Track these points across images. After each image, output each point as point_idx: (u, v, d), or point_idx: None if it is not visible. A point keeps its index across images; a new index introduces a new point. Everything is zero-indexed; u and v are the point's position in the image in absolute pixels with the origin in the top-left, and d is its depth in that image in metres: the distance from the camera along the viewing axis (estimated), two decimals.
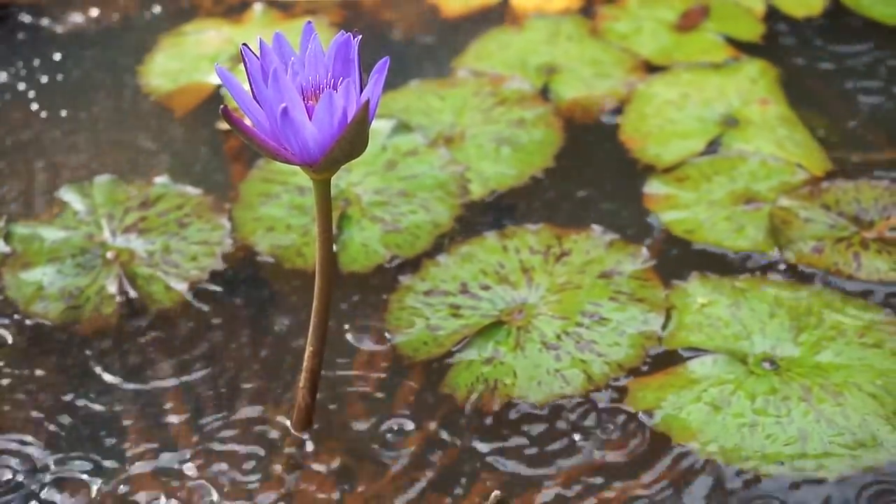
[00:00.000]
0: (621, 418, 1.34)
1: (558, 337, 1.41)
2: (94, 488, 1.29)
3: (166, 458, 1.32)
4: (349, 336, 1.46)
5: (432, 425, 1.35)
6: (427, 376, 1.40)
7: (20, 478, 1.30)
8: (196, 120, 1.85)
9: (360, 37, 1.08)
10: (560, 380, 1.37)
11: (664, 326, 1.43)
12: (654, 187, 1.65)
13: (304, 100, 1.06)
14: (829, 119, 1.78)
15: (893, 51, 1.94)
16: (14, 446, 1.34)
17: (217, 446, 1.33)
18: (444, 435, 1.34)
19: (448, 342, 1.42)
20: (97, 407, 1.38)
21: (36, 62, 2.00)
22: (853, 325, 1.40)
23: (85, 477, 1.30)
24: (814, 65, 1.91)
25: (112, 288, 1.51)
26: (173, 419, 1.37)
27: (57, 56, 2.02)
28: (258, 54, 1.08)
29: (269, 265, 1.56)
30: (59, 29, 2.09)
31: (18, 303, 1.50)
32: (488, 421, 1.35)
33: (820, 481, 1.25)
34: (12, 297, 1.51)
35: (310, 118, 1.04)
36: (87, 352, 1.45)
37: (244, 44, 1.08)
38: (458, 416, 1.35)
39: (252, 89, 1.06)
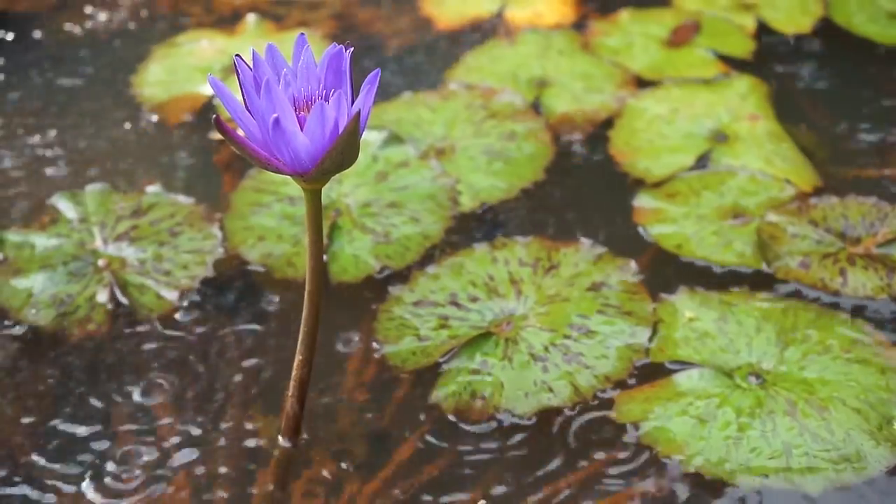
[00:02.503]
0: (608, 430, 1.35)
1: (546, 349, 1.41)
2: (83, 494, 1.29)
3: (155, 465, 1.32)
4: (338, 346, 1.46)
5: (420, 435, 1.35)
6: (415, 386, 1.41)
7: (9, 482, 1.31)
8: (189, 130, 1.86)
9: (352, 49, 1.09)
10: (547, 391, 1.37)
11: (651, 339, 1.44)
12: (643, 201, 1.66)
13: (295, 111, 1.07)
14: (818, 135, 1.80)
15: (883, 68, 1.95)
16: (2, 451, 1.34)
17: (205, 454, 1.34)
18: (431, 445, 1.34)
19: (436, 353, 1.43)
20: (86, 413, 1.39)
21: (30, 71, 2.01)
22: (839, 341, 1.41)
23: (73, 482, 1.31)
24: (803, 81, 1.92)
25: (103, 295, 1.51)
26: (162, 426, 1.37)
27: (51, 65, 2.03)
28: (251, 65, 1.08)
29: (260, 274, 1.56)
30: (53, 38, 2.09)
31: (10, 309, 1.50)
32: (475, 431, 1.35)
33: (804, 495, 1.26)
34: (3, 303, 1.51)
35: (301, 129, 1.05)
36: (78, 358, 1.45)
37: (237, 55, 1.09)
38: (445, 426, 1.36)
39: (244, 100, 1.07)
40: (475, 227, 1.64)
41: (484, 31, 2.10)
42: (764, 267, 1.54)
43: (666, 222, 1.62)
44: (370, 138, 1.71)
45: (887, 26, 2.03)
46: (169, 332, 1.48)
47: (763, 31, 2.04)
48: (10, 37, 2.10)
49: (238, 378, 1.43)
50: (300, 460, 1.33)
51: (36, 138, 1.84)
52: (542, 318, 1.45)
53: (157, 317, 1.50)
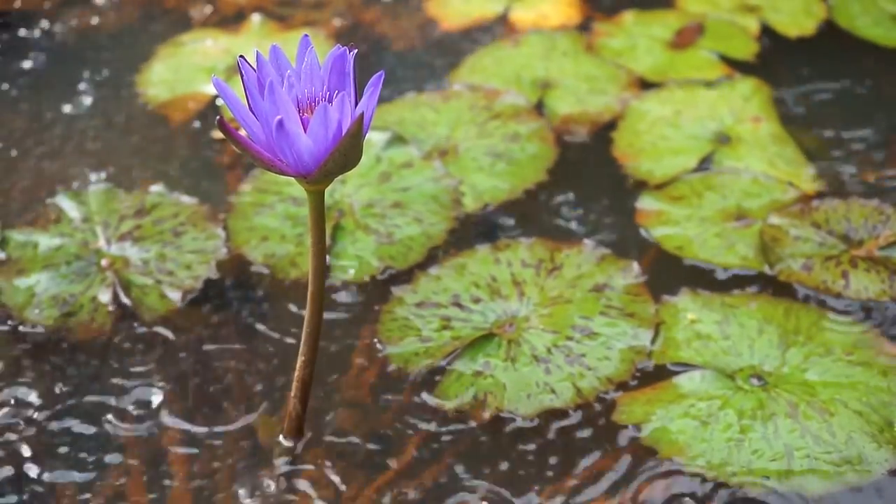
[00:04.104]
0: (610, 432, 1.35)
1: (548, 350, 1.41)
2: (84, 495, 1.30)
3: (157, 465, 1.33)
4: (341, 346, 1.47)
5: (422, 436, 1.35)
6: (418, 387, 1.41)
7: (7, 485, 1.31)
8: (192, 129, 1.86)
9: (356, 50, 1.09)
10: (549, 393, 1.37)
11: (653, 341, 1.44)
12: (646, 203, 1.66)
13: (299, 112, 1.07)
14: (821, 138, 1.80)
15: (886, 71, 1.95)
16: (3, 452, 1.34)
17: (207, 454, 1.34)
18: (434, 446, 1.34)
19: (439, 354, 1.43)
20: (89, 413, 1.39)
21: (34, 70, 2.01)
22: (841, 343, 1.41)
23: (74, 482, 1.31)
24: (806, 84, 1.92)
25: (106, 295, 1.51)
26: (165, 427, 1.37)
27: (55, 64, 2.03)
28: (255, 66, 1.09)
29: (263, 275, 1.57)
30: (57, 37, 2.10)
31: (12, 309, 1.51)
32: (477, 432, 1.35)
33: (805, 497, 1.26)
34: (6, 303, 1.51)
35: (305, 130, 1.05)
36: (81, 358, 1.45)
37: (241, 56, 1.09)
38: (447, 428, 1.36)
39: (248, 101, 1.07)
40: (478, 228, 1.64)
41: (488, 32, 2.10)
42: (766, 269, 1.54)
43: (669, 224, 1.62)
44: (373, 139, 1.71)
45: (891, 29, 2.03)
46: (172, 333, 1.49)
47: (766, 33, 2.04)
48: (14, 34, 2.10)
49: (240, 378, 1.43)
50: (302, 461, 1.33)
51: (39, 137, 1.84)
52: (545, 319, 1.45)
53: (159, 317, 1.50)
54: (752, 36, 2.03)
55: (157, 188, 1.69)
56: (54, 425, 1.37)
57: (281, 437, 1.35)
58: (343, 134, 1.05)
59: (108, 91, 1.96)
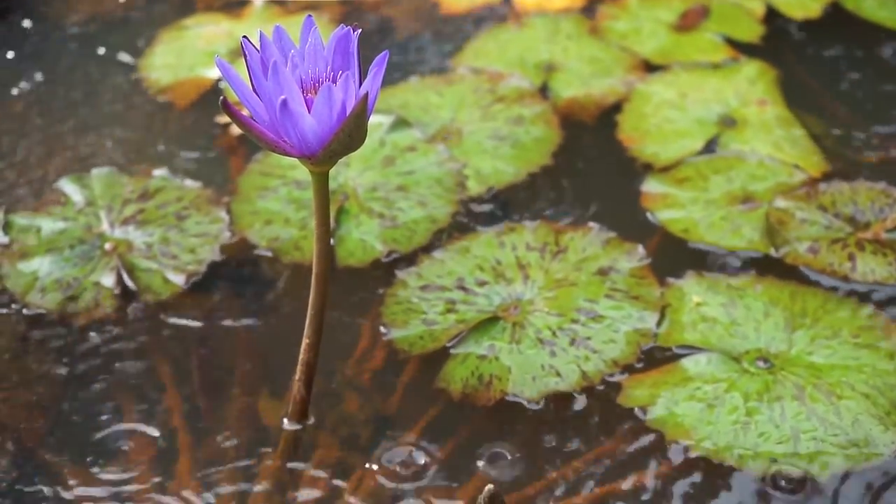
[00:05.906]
0: (615, 415, 1.34)
1: (553, 333, 1.41)
2: (88, 477, 1.29)
3: (161, 449, 1.33)
4: (345, 329, 1.46)
5: (427, 419, 1.35)
6: (422, 371, 1.41)
7: (15, 467, 1.31)
8: (195, 113, 1.85)
9: (360, 31, 1.09)
10: (555, 375, 1.37)
11: (659, 324, 1.43)
12: (651, 186, 1.65)
13: (303, 92, 1.07)
14: (827, 120, 1.79)
15: (892, 53, 1.95)
16: (10, 435, 1.34)
17: (212, 438, 1.34)
18: (439, 429, 1.34)
19: (444, 337, 1.42)
20: (92, 397, 1.39)
21: (36, 54, 2.01)
22: (847, 326, 1.41)
23: (79, 466, 1.31)
24: (812, 66, 1.92)
25: (109, 279, 1.51)
26: (168, 410, 1.37)
27: (57, 48, 2.02)
28: (258, 47, 1.08)
29: (267, 258, 1.56)
30: (59, 21, 2.09)
31: (16, 293, 1.50)
32: (483, 415, 1.35)
33: (812, 480, 1.26)
34: (10, 287, 1.51)
35: (309, 111, 1.04)
36: (84, 342, 1.45)
37: (244, 36, 1.08)
38: (452, 411, 1.36)
39: (252, 82, 1.07)
40: (482, 211, 1.63)
41: (492, 15, 2.09)
42: (772, 252, 1.54)
43: (674, 207, 1.61)
44: (377, 122, 1.70)
45: None
46: (175, 316, 1.48)
47: (772, 15, 2.03)
48: (15, 19, 2.10)
49: (245, 362, 1.43)
50: (307, 444, 1.33)
51: (41, 121, 1.84)
52: (550, 302, 1.45)
53: (163, 300, 1.50)
54: (758, 18, 2.02)
55: (160, 172, 1.68)
56: (58, 409, 1.37)
57: (285, 421, 1.35)
58: (347, 114, 1.05)
59: (111, 75, 1.95)
